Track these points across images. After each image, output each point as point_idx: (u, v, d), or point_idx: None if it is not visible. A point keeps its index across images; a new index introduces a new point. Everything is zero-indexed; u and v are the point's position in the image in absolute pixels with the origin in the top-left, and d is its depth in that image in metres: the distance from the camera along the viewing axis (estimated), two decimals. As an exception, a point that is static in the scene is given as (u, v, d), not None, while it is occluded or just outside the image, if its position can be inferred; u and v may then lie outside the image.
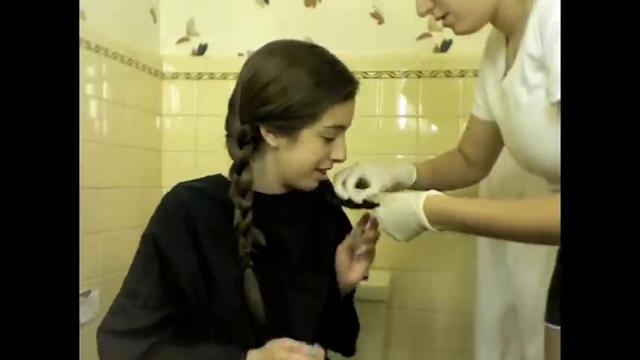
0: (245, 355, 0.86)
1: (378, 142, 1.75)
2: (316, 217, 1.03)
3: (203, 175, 1.01)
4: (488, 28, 1.00)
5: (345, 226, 1.07)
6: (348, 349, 1.10)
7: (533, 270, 1.43)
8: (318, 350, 0.84)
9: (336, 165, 0.98)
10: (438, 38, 1.74)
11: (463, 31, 0.93)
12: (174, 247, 0.90)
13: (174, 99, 1.91)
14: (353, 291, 1.08)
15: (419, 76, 1.75)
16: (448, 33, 1.71)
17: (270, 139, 0.91)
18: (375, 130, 1.77)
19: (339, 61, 0.94)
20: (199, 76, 1.89)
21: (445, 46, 1.74)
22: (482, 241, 1.54)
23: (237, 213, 0.90)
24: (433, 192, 0.90)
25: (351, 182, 0.99)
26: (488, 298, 1.55)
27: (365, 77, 1.73)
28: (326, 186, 1.00)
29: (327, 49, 0.95)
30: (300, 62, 0.90)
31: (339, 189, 1.00)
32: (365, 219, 0.98)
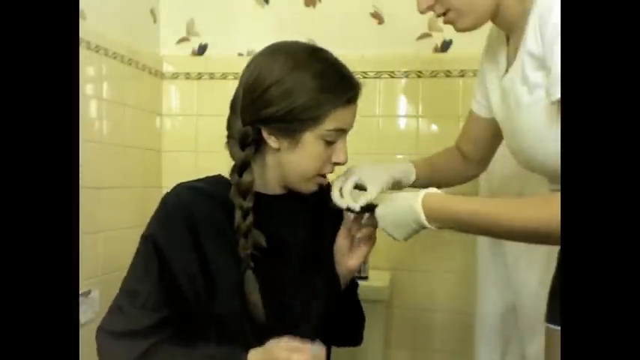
0: (246, 355, 0.86)
1: (378, 142, 1.75)
2: (316, 217, 1.03)
3: (203, 176, 1.01)
4: (488, 27, 1.00)
5: None
6: (355, 340, 1.10)
7: (533, 270, 1.43)
8: (319, 349, 0.84)
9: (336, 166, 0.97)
10: (438, 38, 1.74)
11: (464, 28, 0.93)
12: (174, 247, 0.90)
13: (174, 99, 1.91)
14: (356, 285, 1.08)
15: (419, 76, 1.75)
16: (448, 33, 1.72)
17: (271, 141, 0.91)
18: (375, 130, 1.77)
19: (342, 64, 0.94)
20: (199, 76, 1.89)
21: (445, 46, 1.74)
22: (482, 241, 1.54)
23: (238, 214, 0.90)
24: (432, 189, 0.90)
25: (348, 190, 0.97)
26: (488, 298, 1.55)
27: (365, 77, 1.73)
28: (326, 189, 0.99)
29: (330, 51, 0.95)
30: (304, 65, 0.90)
31: (336, 197, 0.98)
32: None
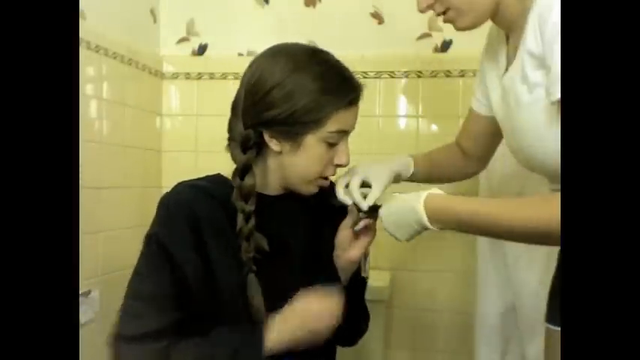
0: (263, 333, 0.87)
1: (378, 142, 1.75)
2: (316, 218, 1.03)
3: (203, 175, 1.01)
4: (488, 26, 1.00)
5: None
6: (351, 341, 1.10)
7: (533, 270, 1.43)
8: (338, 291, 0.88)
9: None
10: (438, 38, 1.74)
11: (464, 27, 0.93)
12: (179, 247, 0.89)
13: (174, 99, 1.91)
14: (364, 285, 1.08)
15: (419, 76, 1.75)
16: (448, 33, 1.73)
17: (273, 144, 0.91)
18: (375, 130, 1.77)
19: (343, 66, 0.93)
20: (199, 76, 1.89)
21: (445, 46, 1.75)
22: (482, 241, 1.54)
23: (240, 218, 0.90)
24: (434, 190, 0.90)
25: (355, 186, 0.98)
26: (488, 298, 1.55)
27: (365, 77, 1.73)
28: (326, 189, 0.99)
29: (330, 53, 0.95)
30: (305, 67, 0.89)
31: (341, 194, 0.98)
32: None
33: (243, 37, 1.85)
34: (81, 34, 1.41)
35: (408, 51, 1.75)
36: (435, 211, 0.87)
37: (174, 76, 1.90)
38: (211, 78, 1.88)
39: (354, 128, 0.95)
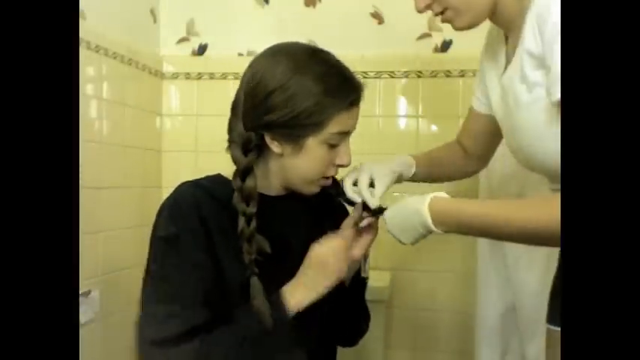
0: (285, 303, 0.88)
1: (378, 142, 1.75)
2: (317, 217, 1.03)
3: (203, 175, 1.01)
4: (487, 26, 1.00)
5: None
6: (352, 341, 1.10)
7: (533, 270, 1.43)
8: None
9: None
10: (438, 38, 1.75)
11: (462, 26, 0.93)
12: (193, 246, 0.89)
13: (174, 99, 1.91)
14: (364, 285, 1.08)
15: (419, 76, 1.76)
16: (448, 33, 1.73)
17: (274, 146, 0.91)
18: (375, 130, 1.77)
19: (344, 66, 0.93)
20: (199, 76, 1.89)
21: (445, 46, 1.75)
22: (482, 242, 1.54)
23: (242, 220, 0.89)
24: (439, 193, 0.90)
25: (365, 184, 0.98)
26: (488, 299, 1.55)
27: (365, 77, 1.73)
28: (330, 186, 0.99)
29: (331, 53, 0.94)
30: (307, 69, 0.89)
31: (350, 192, 0.98)
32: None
33: (243, 37, 1.85)
34: (81, 34, 1.41)
35: (408, 51, 1.75)
36: (440, 213, 0.87)
37: (174, 76, 1.90)
38: (211, 78, 1.88)
39: (354, 129, 0.95)
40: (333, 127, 0.89)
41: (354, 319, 1.09)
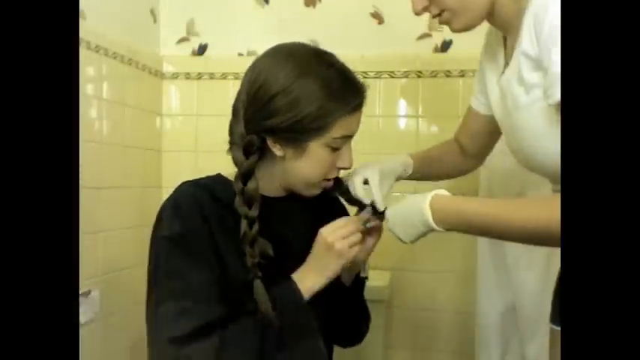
0: (299, 290, 0.88)
1: (378, 142, 1.75)
2: (317, 218, 1.02)
3: (203, 175, 1.01)
4: (487, 26, 1.00)
5: None
6: (354, 340, 1.10)
7: (533, 270, 1.43)
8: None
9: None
10: (437, 38, 1.75)
11: (459, 28, 0.93)
12: (197, 245, 0.88)
13: (174, 99, 1.91)
14: (362, 284, 1.08)
15: (419, 76, 1.76)
16: (448, 33, 1.71)
17: (276, 149, 0.91)
18: (375, 130, 1.77)
19: (348, 69, 0.92)
20: (199, 76, 1.89)
21: (445, 46, 1.75)
22: (482, 242, 1.54)
23: (244, 223, 0.89)
24: (440, 191, 0.90)
25: (375, 184, 0.98)
26: (488, 298, 1.55)
27: (365, 77, 1.72)
28: (334, 184, 0.99)
29: (334, 54, 0.93)
30: (310, 72, 0.88)
31: (361, 192, 0.98)
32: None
33: (243, 37, 1.85)
34: (81, 34, 1.41)
35: (408, 51, 1.75)
36: (441, 211, 0.87)
37: (174, 76, 1.90)
38: (211, 78, 1.88)
39: (357, 132, 0.95)
40: (336, 132, 0.89)
41: (354, 319, 1.09)
